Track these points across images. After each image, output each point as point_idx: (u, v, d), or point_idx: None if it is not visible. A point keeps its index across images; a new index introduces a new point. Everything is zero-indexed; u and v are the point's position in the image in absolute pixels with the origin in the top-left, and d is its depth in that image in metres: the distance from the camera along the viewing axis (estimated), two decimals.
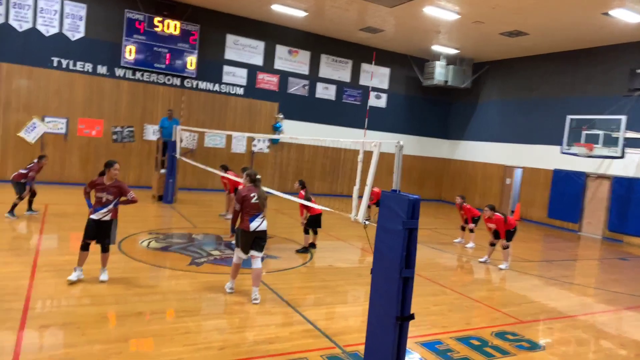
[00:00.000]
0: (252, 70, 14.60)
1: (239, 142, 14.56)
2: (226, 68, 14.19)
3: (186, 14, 13.25)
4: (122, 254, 6.50)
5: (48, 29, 11.82)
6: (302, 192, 7.67)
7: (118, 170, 5.23)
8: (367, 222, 4.04)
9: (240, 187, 5.79)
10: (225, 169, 9.76)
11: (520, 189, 15.47)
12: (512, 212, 15.30)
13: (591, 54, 13.53)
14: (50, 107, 12.01)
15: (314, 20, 13.81)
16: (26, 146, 11.64)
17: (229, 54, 14.21)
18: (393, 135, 17.28)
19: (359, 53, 16.22)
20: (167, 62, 13.07)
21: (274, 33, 14.67)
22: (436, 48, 15.56)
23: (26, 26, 11.59)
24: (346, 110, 16.30)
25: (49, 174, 11.60)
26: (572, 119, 12.28)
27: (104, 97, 12.63)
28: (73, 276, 5.08)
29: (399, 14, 12.32)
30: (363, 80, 16.62)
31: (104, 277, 5.24)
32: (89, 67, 12.37)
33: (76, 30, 12.11)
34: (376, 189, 11.26)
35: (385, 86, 17.12)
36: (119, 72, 12.73)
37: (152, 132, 12.94)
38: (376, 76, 16.90)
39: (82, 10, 12.13)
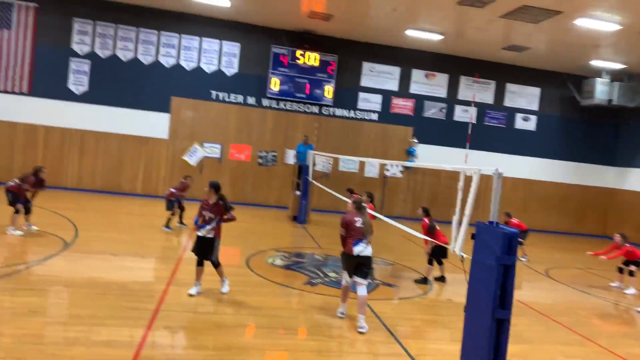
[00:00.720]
0: (387, 95, 14.73)
1: (372, 167, 14.71)
2: (361, 95, 14.58)
3: (325, 46, 14.05)
4: (248, 269, 7.04)
5: (209, 66, 13.65)
6: (426, 220, 7.39)
7: (206, 190, 5.69)
8: (464, 255, 3.71)
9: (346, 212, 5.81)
10: (351, 192, 9.94)
11: None
12: None
13: None
14: (208, 134, 13.75)
15: (451, 43, 13.43)
16: (189, 168, 13.44)
17: (365, 81, 14.59)
18: (543, 160, 15.68)
19: (503, 72, 15.22)
20: (307, 92, 13.97)
21: (409, 58, 14.64)
22: (596, 63, 13.76)
23: (192, 65, 13.56)
24: (488, 133, 15.33)
25: (204, 192, 13.20)
26: None
27: (252, 124, 14.01)
28: (193, 290, 5.54)
29: (546, 29, 11.27)
30: (508, 102, 15.50)
31: (224, 289, 5.73)
32: (240, 98, 13.89)
33: (231, 67, 13.75)
34: (515, 220, 10.32)
35: (535, 107, 15.67)
36: (265, 102, 14.02)
37: (291, 157, 13.85)
38: (523, 96, 15.59)
39: (236, 48, 13.75)
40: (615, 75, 14.52)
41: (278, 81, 13.79)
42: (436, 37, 12.83)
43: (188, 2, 12.05)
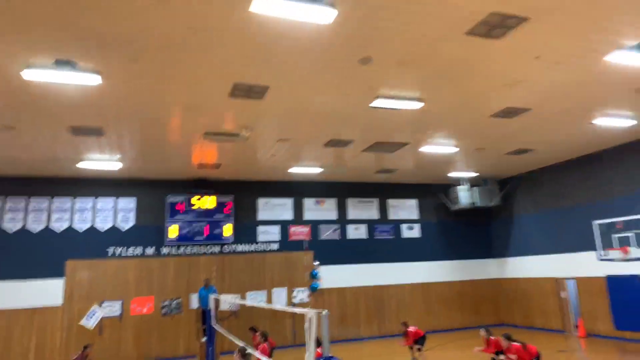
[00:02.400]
0: (284, 225, 15.76)
1: (280, 296, 15.10)
2: (260, 228, 15.45)
3: (220, 188, 15.03)
4: None
5: (104, 225, 13.82)
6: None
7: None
8: None
9: None
10: (254, 330, 10.18)
11: (579, 302, 14.42)
12: (576, 327, 14.12)
13: (611, 154, 13.55)
14: (107, 292, 13.40)
15: (331, 173, 15.14)
16: (86, 332, 12.76)
17: (262, 215, 15.58)
18: (433, 263, 17.23)
19: (382, 191, 17.19)
20: (206, 234, 14.52)
21: (300, 189, 16.08)
22: (455, 174, 16.24)
23: (86, 226, 13.64)
24: (380, 247, 16.73)
25: (106, 355, 12.54)
26: (600, 224, 11.98)
27: (152, 275, 13.97)
28: None
29: (403, 156, 13.35)
30: (392, 215, 17.29)
31: None
32: (138, 250, 13.98)
33: (127, 222, 14.04)
34: (412, 329, 11.11)
35: (416, 216, 17.61)
36: (165, 250, 14.24)
37: (195, 302, 13.84)
38: (404, 209, 17.53)
39: (132, 203, 14.20)
40: (474, 181, 17.16)
41: (176, 227, 14.25)
42: (317, 170, 14.47)
43: (80, 168, 12.53)
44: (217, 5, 5.57)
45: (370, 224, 16.92)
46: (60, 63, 6.61)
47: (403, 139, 11.71)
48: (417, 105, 9.06)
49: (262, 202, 15.66)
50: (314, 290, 15.41)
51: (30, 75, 6.74)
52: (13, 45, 6.18)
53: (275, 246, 15.49)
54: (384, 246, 16.82)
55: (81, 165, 12.04)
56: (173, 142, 10.90)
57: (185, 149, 11.53)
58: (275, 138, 10.99)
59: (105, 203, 13.92)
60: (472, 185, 17.13)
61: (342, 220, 16.59)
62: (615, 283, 13.07)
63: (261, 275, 15.07)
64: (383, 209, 17.25)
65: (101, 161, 11.95)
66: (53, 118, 8.83)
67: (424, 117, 9.98)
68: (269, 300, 14.97)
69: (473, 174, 16.35)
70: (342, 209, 16.68)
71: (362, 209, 16.94)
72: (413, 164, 14.53)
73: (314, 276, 15.47)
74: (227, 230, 14.76)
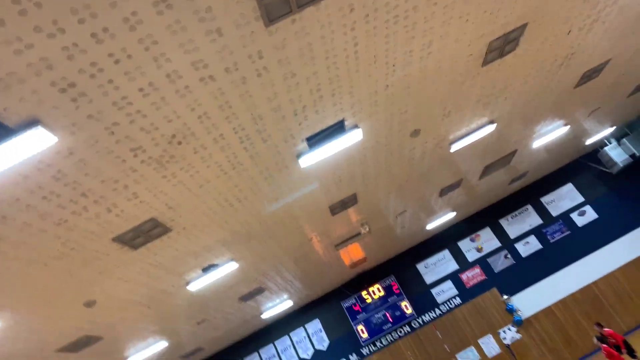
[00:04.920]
0: (455, 276, 15.67)
1: (488, 345, 14.64)
2: (434, 290, 15.58)
3: (379, 274, 15.83)
4: None
5: (307, 353, 15.41)
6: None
7: None
8: None
9: None
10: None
11: None
12: None
13: None
14: None
15: (466, 208, 14.98)
16: None
17: (429, 278, 15.77)
18: (628, 237, 15.19)
19: (530, 193, 16.23)
20: (390, 320, 15.15)
21: (449, 236, 16.06)
22: (592, 141, 14.76)
23: None
24: (561, 248, 15.43)
25: None
26: None
27: None
28: None
29: (522, 159, 12.81)
30: (555, 211, 16.02)
31: None
32: None
33: (322, 342, 15.44)
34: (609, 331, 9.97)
35: (581, 199, 16.00)
36: (365, 351, 15.15)
37: None
38: (564, 198, 16.11)
39: (318, 323, 15.68)
40: (619, 133, 15.31)
41: (362, 327, 15.21)
42: (452, 214, 14.51)
43: (263, 318, 14.53)
44: None
45: (537, 230, 15.87)
46: (206, 269, 8.45)
47: (508, 150, 11.43)
48: (492, 127, 9.11)
49: (421, 267, 15.96)
50: (519, 324, 14.64)
51: (191, 287, 8.71)
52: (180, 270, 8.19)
53: (457, 300, 15.38)
54: (565, 245, 15.47)
55: (264, 316, 14.00)
56: (319, 263, 12.24)
57: (332, 260, 12.76)
58: (393, 215, 11.67)
59: (298, 335, 15.64)
60: (620, 138, 15.28)
61: (507, 243, 15.90)
62: None
63: (460, 334, 14.93)
64: (542, 210, 16.13)
65: (277, 306, 13.78)
66: (225, 300, 10.83)
67: (500, 133, 9.85)
68: (482, 354, 14.59)
69: (612, 128, 14.69)
70: (499, 232, 16.07)
71: (521, 222, 16.07)
72: (540, 158, 13.75)
73: (511, 311, 14.79)
74: (406, 307, 15.23)
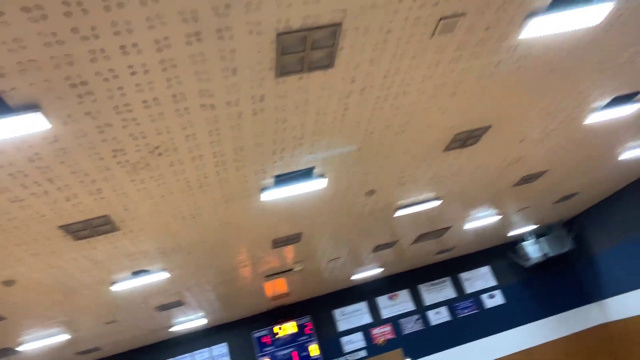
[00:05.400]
0: (366, 329, 16.23)
1: None
2: (344, 339, 16.02)
3: (297, 311, 16.05)
4: None
5: None
6: None
7: None
8: None
9: None
10: None
11: None
12: None
13: None
14: None
15: (393, 267, 15.77)
16: None
17: (342, 326, 16.22)
18: (528, 326, 16.59)
19: (452, 267, 17.35)
20: (297, 359, 15.33)
21: (370, 289, 16.71)
22: (514, 233, 16.23)
23: None
24: (466, 324, 16.53)
25: None
26: None
27: None
28: None
29: (453, 236, 13.84)
30: (469, 288, 17.21)
31: None
32: None
33: None
34: None
35: (494, 283, 17.39)
36: None
37: None
38: (479, 278, 17.42)
39: (224, 348, 15.51)
40: (539, 231, 16.92)
41: None
42: (378, 270, 15.19)
43: (170, 331, 14.20)
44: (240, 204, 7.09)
45: (450, 303, 16.91)
46: (137, 273, 8.33)
47: (443, 225, 12.34)
48: (437, 203, 9.92)
49: (338, 313, 16.40)
50: None
51: (115, 287, 8.52)
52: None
53: (363, 353, 15.87)
54: (470, 322, 16.60)
55: (173, 329, 13.69)
56: (243, 288, 12.29)
57: (256, 289, 12.85)
58: (327, 260, 12.09)
59: (202, 355, 15.34)
60: (539, 236, 16.88)
61: (421, 309, 16.78)
62: None
63: None
64: (458, 285, 17.27)
65: (189, 322, 13.54)
66: (143, 306, 10.58)
67: (441, 210, 10.74)
68: None
69: (533, 226, 16.25)
70: (417, 297, 16.94)
71: (438, 291, 17.08)
72: (468, 238, 14.87)
73: None
74: (314, 350, 15.48)
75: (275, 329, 15.65)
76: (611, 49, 6.13)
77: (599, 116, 8.01)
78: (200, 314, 13.19)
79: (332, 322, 16.27)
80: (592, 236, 16.45)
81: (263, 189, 6.87)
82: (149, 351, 15.17)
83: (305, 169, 6.76)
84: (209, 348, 15.46)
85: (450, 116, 6.58)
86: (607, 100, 7.66)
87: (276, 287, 13.59)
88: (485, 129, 7.33)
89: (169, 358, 15.16)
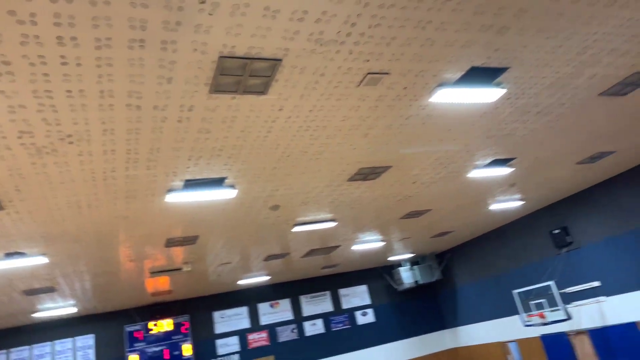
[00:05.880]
0: (242, 334, 16.41)
1: None
2: (219, 342, 16.03)
3: (175, 310, 15.71)
4: None
5: None
6: None
7: None
8: None
9: None
10: None
11: None
12: None
13: (514, 227, 15.46)
14: None
15: (279, 276, 16.21)
16: None
17: (219, 328, 16.22)
18: (390, 345, 18.06)
19: (333, 282, 18.27)
20: (166, 358, 14.96)
21: (253, 295, 16.95)
22: (393, 258, 17.64)
23: None
24: (337, 338, 17.51)
25: None
26: (518, 292, 13.48)
27: None
28: None
29: (341, 254, 14.68)
30: (346, 304, 18.26)
31: None
32: None
33: (87, 359, 14.39)
34: None
35: (368, 301, 18.66)
36: None
37: None
38: (356, 295, 18.58)
39: (90, 340, 14.62)
40: (414, 260, 18.59)
41: (136, 357, 14.66)
42: (265, 278, 15.51)
43: (33, 316, 13.05)
44: (142, 199, 6.95)
45: (326, 316, 17.79)
46: (11, 254, 7.68)
47: (333, 244, 13.07)
48: (332, 224, 10.55)
49: (217, 315, 16.37)
50: None
51: None
52: None
53: (235, 357, 16.02)
54: (342, 337, 17.61)
55: (36, 315, 12.61)
56: (124, 281, 11.79)
57: (136, 283, 12.38)
58: (217, 264, 12.12)
59: (63, 345, 14.28)
60: (413, 264, 18.54)
61: (299, 319, 17.41)
62: (548, 341, 14.37)
63: None
64: (336, 300, 18.24)
65: (57, 309, 12.59)
66: (6, 289, 9.68)
67: (335, 230, 11.47)
68: None
69: (409, 255, 17.82)
70: (296, 307, 17.56)
71: (317, 304, 17.86)
72: (353, 257, 15.85)
73: None
74: (187, 350, 15.26)
75: (150, 324, 15.14)
76: (498, 122, 7.21)
77: (480, 172, 9.24)
78: (71, 302, 12.34)
79: (210, 324, 16.17)
80: (457, 271, 18.50)
81: (170, 190, 6.84)
82: (2, 336, 13.74)
83: (217, 178, 6.88)
84: (74, 338, 14.45)
85: (359, 153, 7.18)
86: (488, 160, 8.89)
87: (159, 284, 13.22)
88: (386, 167, 8.08)
89: (26, 345, 13.88)
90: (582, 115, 7.71)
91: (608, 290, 12.57)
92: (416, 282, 18.17)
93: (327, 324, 17.67)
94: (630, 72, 6.57)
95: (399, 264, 18.59)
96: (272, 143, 6.20)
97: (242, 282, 15.16)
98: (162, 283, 13.16)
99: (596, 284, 12.73)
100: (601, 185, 12.68)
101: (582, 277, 13.17)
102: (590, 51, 5.77)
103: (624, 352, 12.22)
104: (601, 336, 12.82)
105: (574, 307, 12.98)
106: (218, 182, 6.99)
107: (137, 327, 15.00)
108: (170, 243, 9.30)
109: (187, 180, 6.72)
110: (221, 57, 4.32)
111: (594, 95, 7.04)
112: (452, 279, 18.73)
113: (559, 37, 5.28)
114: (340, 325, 17.86)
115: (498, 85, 5.94)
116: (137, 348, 14.76)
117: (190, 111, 5.06)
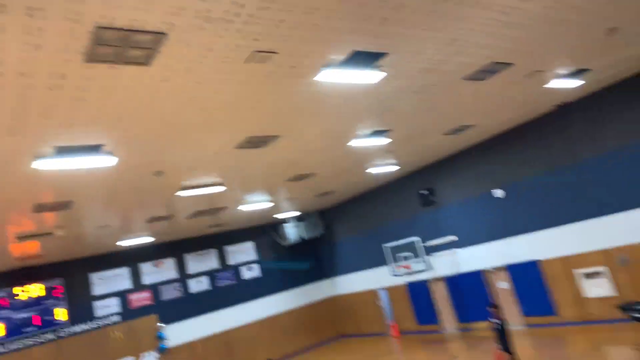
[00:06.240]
0: (123, 295, 15.93)
1: None
2: (97, 303, 15.40)
3: (47, 273, 14.62)
4: None
5: None
6: None
7: None
8: None
9: None
10: None
11: (392, 307, 17.50)
12: (391, 328, 17.16)
13: (384, 189, 16.91)
14: None
15: (163, 236, 15.85)
16: None
17: (98, 290, 15.52)
18: (273, 297, 18.94)
19: (219, 240, 18.39)
20: (37, 324, 14.02)
21: (135, 256, 16.39)
22: (279, 216, 18.22)
23: None
24: (223, 293, 17.89)
25: None
26: (389, 247, 15.00)
27: None
28: None
29: (228, 214, 14.78)
30: (232, 260, 18.59)
31: None
32: None
33: None
34: None
35: (254, 257, 19.17)
36: None
37: None
38: (243, 252, 18.97)
39: None
40: (299, 217, 19.41)
41: (2, 326, 13.52)
42: (149, 239, 15.04)
43: None
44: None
45: (211, 273, 17.97)
46: None
47: (221, 205, 13.12)
48: (221, 188, 10.58)
49: (95, 277, 15.62)
50: (163, 351, 15.89)
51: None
52: None
53: (116, 318, 15.58)
54: (227, 292, 18.01)
55: None
56: None
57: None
58: (95, 227, 11.48)
59: None
60: (299, 220, 19.37)
61: (183, 277, 17.35)
62: (413, 288, 16.33)
63: (104, 351, 15.04)
64: (222, 257, 18.45)
65: None
66: None
67: (223, 194, 11.56)
68: None
69: (296, 213, 18.56)
70: (181, 265, 17.43)
71: (202, 261, 17.89)
72: (240, 216, 16.05)
73: (160, 338, 15.95)
74: (60, 313, 14.45)
75: (17, 289, 13.96)
76: (378, 100, 7.76)
77: (361, 142, 9.90)
78: None
79: (87, 286, 15.38)
80: (337, 226, 19.79)
81: (38, 156, 6.28)
82: None
83: (94, 145, 6.48)
84: None
85: (248, 123, 7.26)
86: (368, 132, 9.56)
87: (27, 248, 12.15)
88: (275, 137, 8.28)
89: None
90: (449, 95, 8.62)
91: (461, 243, 14.57)
92: (301, 237, 19.08)
93: (212, 280, 17.89)
94: (488, 62, 7.47)
95: (284, 221, 19.27)
96: (156, 113, 6.00)
97: (123, 242, 14.54)
98: (30, 247, 12.12)
99: (453, 238, 14.64)
100: (463, 154, 14.36)
101: (442, 232, 15.02)
102: (457, 43, 6.44)
103: (471, 294, 14.44)
104: (454, 282, 14.94)
105: (434, 258, 14.84)
106: (95, 149, 6.59)
107: (1, 294, 13.74)
108: (40, 209, 8.58)
109: (60, 147, 6.24)
110: (99, 27, 4.05)
111: (459, 79, 7.90)
112: (333, 234, 20.01)
113: (432, 29, 5.81)
114: (226, 280, 18.21)
115: (378, 68, 6.37)
116: (1, 316, 13.59)
117: (63, 79, 4.69)
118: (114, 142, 6.57)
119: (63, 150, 6.34)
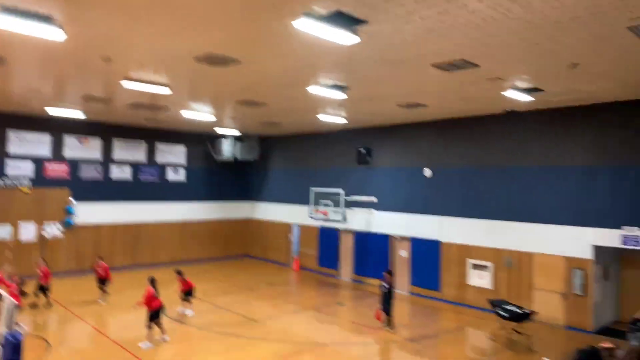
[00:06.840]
0: (39, 161, 15.38)
1: (27, 231, 15.09)
2: (10, 162, 14.79)
3: None
4: None
5: None
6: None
7: None
8: None
9: None
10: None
11: (300, 243, 18.49)
12: (294, 261, 18.26)
13: (333, 135, 17.25)
14: None
15: (95, 115, 15.21)
16: None
17: (13, 149, 14.85)
18: (194, 204, 19.23)
19: (151, 135, 17.99)
20: None
21: (60, 126, 15.68)
22: (219, 130, 18.05)
23: None
24: (144, 188, 17.83)
25: None
26: (314, 191, 15.59)
27: None
28: None
29: (169, 116, 14.42)
30: (160, 158, 18.37)
31: None
32: None
33: None
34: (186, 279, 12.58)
35: (183, 161, 19.07)
36: None
37: None
38: (172, 153, 18.77)
39: None
40: (239, 136, 19.34)
41: None
42: (79, 113, 14.37)
43: None
44: None
45: (136, 165, 17.72)
46: None
47: (163, 104, 12.74)
48: (166, 90, 10.28)
49: (13, 135, 14.85)
50: (68, 226, 15.81)
51: None
52: None
53: (26, 182, 15.10)
54: (148, 187, 17.96)
55: None
56: None
57: None
58: (26, 88, 10.81)
59: None
60: (237, 140, 19.32)
61: (107, 160, 16.97)
62: (324, 233, 17.29)
63: (8, 211, 14.70)
64: (151, 152, 18.16)
65: None
66: None
67: (170, 96, 11.27)
68: (16, 234, 14.85)
69: (236, 132, 18.46)
70: (107, 149, 16.98)
71: (129, 150, 17.53)
72: (180, 119, 15.71)
73: (68, 212, 15.80)
74: None
75: None
76: (348, 61, 7.82)
77: (319, 90, 9.97)
78: None
79: (2, 141, 14.63)
80: (273, 156, 20.04)
81: None
82: None
83: (44, 15, 6.04)
84: None
85: (213, 40, 7.05)
86: (329, 84, 9.63)
87: None
88: (237, 61, 8.12)
89: None
90: (414, 75, 8.84)
91: (380, 206, 15.49)
92: (235, 157, 19.14)
93: (135, 172, 17.69)
94: (458, 58, 7.73)
95: (223, 136, 19.13)
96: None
97: (52, 110, 13.80)
98: None
99: (373, 199, 15.50)
100: (408, 126, 14.89)
101: (366, 191, 15.82)
102: (435, 34, 6.59)
103: (373, 253, 15.63)
104: (362, 238, 16.02)
105: (351, 212, 15.68)
106: (44, 19, 6.14)
107: None
108: None
109: (6, 7, 5.75)
110: None
111: (427, 64, 8.11)
112: (267, 162, 20.28)
113: (416, 15, 5.90)
114: (149, 176, 18.08)
115: (356, 33, 6.40)
116: None
117: None
118: (66, 17, 6.16)
119: (9, 10, 5.86)
